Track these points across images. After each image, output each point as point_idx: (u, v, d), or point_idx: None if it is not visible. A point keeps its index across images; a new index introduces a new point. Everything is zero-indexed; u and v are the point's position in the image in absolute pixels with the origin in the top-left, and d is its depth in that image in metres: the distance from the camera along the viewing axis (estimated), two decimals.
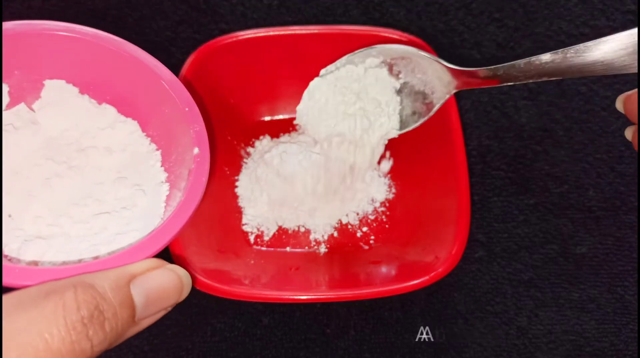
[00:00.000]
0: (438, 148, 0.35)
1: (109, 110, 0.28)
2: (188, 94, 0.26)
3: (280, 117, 0.40)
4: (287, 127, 0.40)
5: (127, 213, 0.25)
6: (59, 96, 0.27)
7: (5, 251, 0.23)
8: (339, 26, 0.37)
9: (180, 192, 0.24)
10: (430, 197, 0.35)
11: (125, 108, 0.28)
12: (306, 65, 0.37)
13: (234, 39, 0.35)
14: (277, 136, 0.39)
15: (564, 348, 0.34)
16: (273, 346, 0.34)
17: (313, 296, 0.31)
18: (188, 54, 0.35)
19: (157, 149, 0.28)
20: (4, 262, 0.21)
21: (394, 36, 0.36)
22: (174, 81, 0.26)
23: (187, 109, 0.26)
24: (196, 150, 0.25)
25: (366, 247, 0.36)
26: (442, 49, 0.41)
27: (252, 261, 0.35)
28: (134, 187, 0.26)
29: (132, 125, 0.28)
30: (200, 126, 0.26)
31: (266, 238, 0.36)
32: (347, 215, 0.37)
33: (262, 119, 0.40)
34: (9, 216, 0.25)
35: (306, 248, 0.36)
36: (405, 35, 0.36)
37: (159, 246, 0.22)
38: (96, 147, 0.27)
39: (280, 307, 0.35)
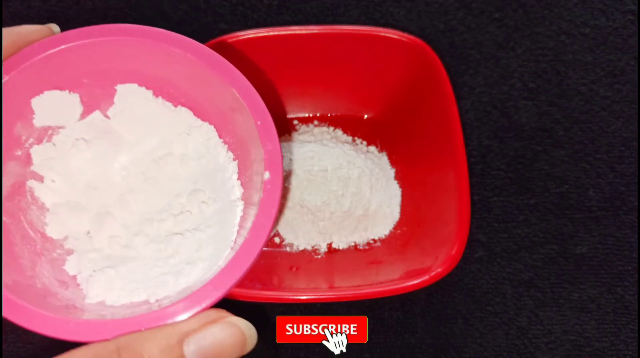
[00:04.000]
0: (438, 148, 0.35)
1: (185, 113, 0.26)
2: (263, 105, 0.23)
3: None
4: (287, 127, 0.40)
5: (200, 235, 0.24)
6: (133, 101, 0.25)
7: (78, 279, 0.23)
8: (339, 26, 0.37)
9: (250, 219, 0.22)
10: (430, 197, 0.35)
11: (201, 111, 0.26)
12: (306, 65, 0.38)
13: (234, 39, 0.35)
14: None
15: (564, 348, 0.34)
16: (273, 346, 0.34)
17: (313, 296, 0.31)
18: None
19: (234, 159, 0.25)
20: (68, 315, 0.20)
21: (394, 36, 0.36)
22: (247, 88, 0.23)
23: (259, 122, 0.23)
24: (267, 175, 0.22)
25: (366, 247, 0.36)
26: (442, 49, 0.41)
27: None
28: (209, 203, 0.24)
29: (209, 130, 0.25)
30: (274, 145, 0.22)
31: None
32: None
33: None
34: (88, 233, 0.24)
35: (306, 248, 0.36)
36: (405, 35, 0.36)
37: (216, 297, 0.20)
38: (172, 154, 0.25)
39: (280, 307, 0.35)
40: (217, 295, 0.20)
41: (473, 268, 0.36)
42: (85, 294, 0.22)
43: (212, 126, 0.25)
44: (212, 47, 0.35)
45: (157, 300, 0.22)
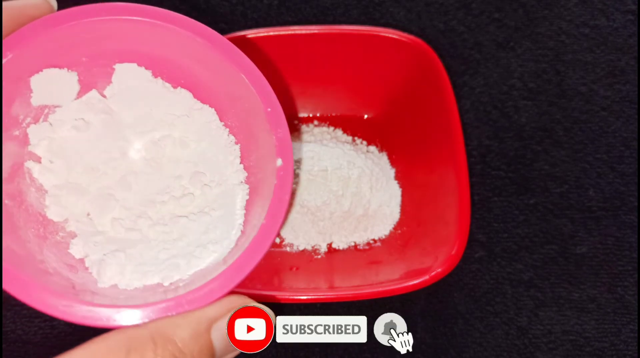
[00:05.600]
0: (438, 148, 0.35)
1: (185, 95, 0.25)
2: (272, 91, 0.23)
3: None
4: None
5: (205, 218, 0.24)
6: (131, 81, 0.25)
7: (86, 262, 0.23)
8: (339, 26, 0.37)
9: (262, 205, 0.22)
10: (430, 197, 0.35)
11: (201, 94, 0.25)
12: (306, 65, 0.38)
13: (234, 39, 0.35)
14: None
15: (564, 348, 0.34)
16: (273, 346, 0.34)
17: (313, 296, 0.31)
18: None
19: (237, 143, 0.25)
20: (87, 299, 0.20)
21: (394, 36, 0.36)
22: (255, 73, 0.23)
23: (269, 109, 0.23)
24: (279, 161, 0.22)
25: (366, 247, 0.36)
26: (442, 49, 0.41)
27: None
28: (212, 186, 0.24)
29: (209, 113, 0.25)
30: (284, 131, 0.22)
31: None
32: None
33: None
34: (87, 214, 0.24)
35: (306, 248, 0.36)
36: (405, 35, 0.36)
37: (237, 280, 0.21)
38: (172, 136, 0.25)
39: (280, 307, 0.35)
40: (238, 279, 0.20)
41: (473, 268, 0.36)
42: (96, 278, 0.22)
43: (213, 109, 0.25)
44: None
45: (171, 283, 0.22)
